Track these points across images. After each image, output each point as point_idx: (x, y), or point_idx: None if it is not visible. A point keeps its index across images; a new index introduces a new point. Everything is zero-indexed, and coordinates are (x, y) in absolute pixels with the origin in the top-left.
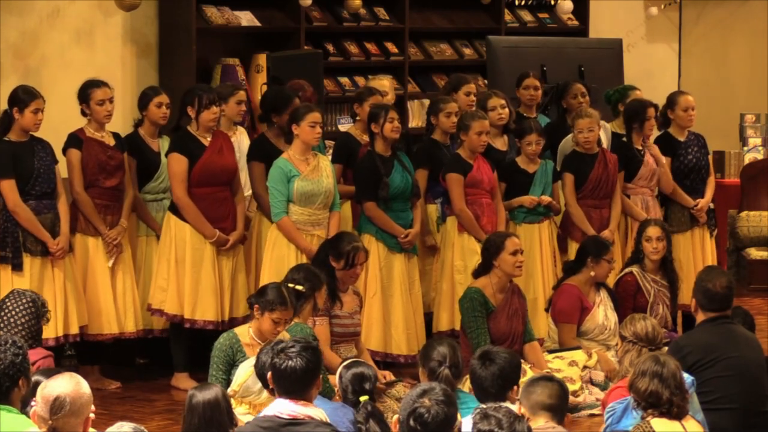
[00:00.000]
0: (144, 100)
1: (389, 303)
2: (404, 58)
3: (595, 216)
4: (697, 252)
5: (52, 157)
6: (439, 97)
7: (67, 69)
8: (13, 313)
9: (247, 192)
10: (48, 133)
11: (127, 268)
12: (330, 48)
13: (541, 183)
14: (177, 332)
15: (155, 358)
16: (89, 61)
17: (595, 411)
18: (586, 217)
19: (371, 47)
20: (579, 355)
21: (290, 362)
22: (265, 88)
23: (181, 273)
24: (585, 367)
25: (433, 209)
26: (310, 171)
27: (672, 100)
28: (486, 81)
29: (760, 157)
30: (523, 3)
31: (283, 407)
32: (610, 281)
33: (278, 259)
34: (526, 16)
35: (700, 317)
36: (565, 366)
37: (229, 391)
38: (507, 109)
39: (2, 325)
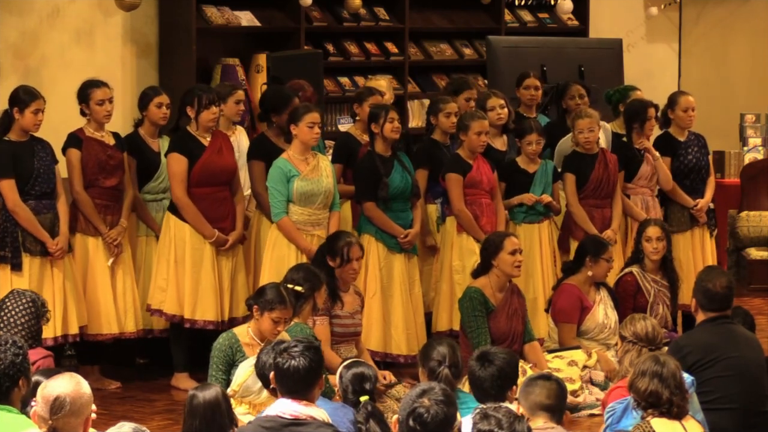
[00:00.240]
0: (144, 100)
1: (389, 303)
2: (404, 58)
3: (598, 216)
4: (697, 252)
5: (52, 157)
6: (439, 97)
7: (67, 69)
8: (13, 313)
9: (246, 191)
10: (48, 133)
11: (127, 268)
12: (330, 48)
13: (542, 183)
14: (177, 332)
15: (155, 358)
16: (89, 61)
17: (595, 411)
18: (588, 217)
19: (371, 47)
20: (579, 355)
21: (293, 362)
22: (265, 88)
23: (180, 273)
24: (585, 366)
25: (433, 209)
26: (309, 171)
27: (673, 100)
28: (486, 81)
29: (760, 157)
30: (523, 3)
31: (286, 407)
32: (611, 281)
33: (278, 259)
34: (526, 16)
35: (700, 317)
36: (565, 366)
37: (229, 391)
38: (506, 109)
39: (2, 325)
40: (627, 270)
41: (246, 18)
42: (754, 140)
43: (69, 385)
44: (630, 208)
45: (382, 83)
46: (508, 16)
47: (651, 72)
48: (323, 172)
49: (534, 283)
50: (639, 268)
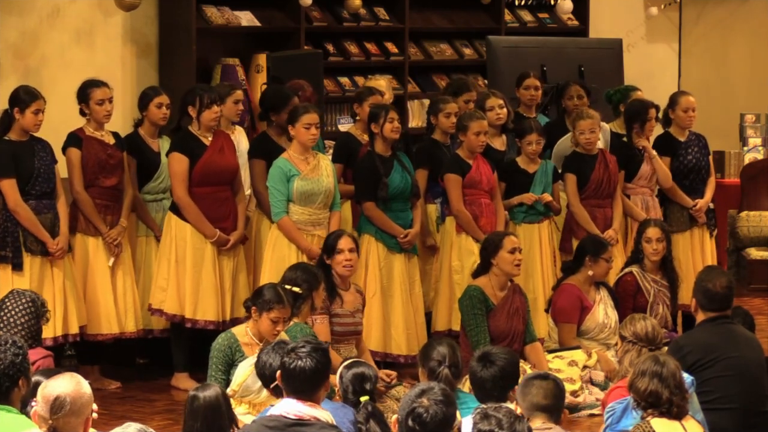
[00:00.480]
0: (144, 101)
1: (389, 303)
2: (404, 58)
3: (599, 216)
4: (696, 252)
5: (52, 156)
6: (439, 97)
7: (67, 69)
8: (13, 313)
9: (246, 191)
10: (48, 133)
11: (127, 268)
12: (330, 48)
13: (542, 183)
14: (177, 332)
15: (155, 358)
16: (89, 61)
17: (595, 411)
18: (590, 217)
19: (371, 47)
20: (579, 355)
21: (300, 362)
22: (264, 88)
23: (181, 273)
24: (585, 366)
25: (433, 209)
26: (309, 170)
27: (673, 100)
28: (486, 81)
29: (760, 157)
30: (523, 3)
31: (290, 407)
32: (611, 281)
33: (279, 259)
34: (526, 16)
35: (700, 317)
36: (565, 366)
37: (229, 390)
38: (505, 109)
39: (2, 325)
40: (627, 270)
41: (246, 18)
42: (754, 140)
43: (69, 385)
44: (630, 208)
45: (382, 83)
46: (508, 16)
47: (651, 72)
48: (323, 171)
49: (534, 283)
50: (639, 268)
